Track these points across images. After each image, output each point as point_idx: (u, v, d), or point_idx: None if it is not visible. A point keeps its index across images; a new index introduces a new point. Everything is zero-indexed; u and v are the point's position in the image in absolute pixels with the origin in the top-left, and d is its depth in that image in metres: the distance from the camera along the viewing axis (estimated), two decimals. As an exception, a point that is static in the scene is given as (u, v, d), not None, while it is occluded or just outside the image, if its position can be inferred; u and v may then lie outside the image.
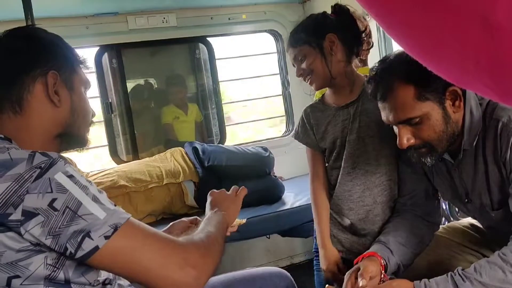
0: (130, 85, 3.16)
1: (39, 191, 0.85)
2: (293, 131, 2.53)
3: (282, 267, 3.24)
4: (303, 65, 1.58)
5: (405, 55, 1.24)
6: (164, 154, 2.98)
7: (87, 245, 0.86)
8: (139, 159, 3.08)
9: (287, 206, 2.73)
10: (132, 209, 2.65)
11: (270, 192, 2.82)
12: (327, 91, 1.72)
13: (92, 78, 2.94)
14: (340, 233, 1.67)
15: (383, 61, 1.31)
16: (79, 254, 0.87)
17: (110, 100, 3.03)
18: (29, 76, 1.00)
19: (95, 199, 0.90)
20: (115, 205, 0.93)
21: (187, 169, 2.83)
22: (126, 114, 3.11)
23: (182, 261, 0.92)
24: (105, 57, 3.02)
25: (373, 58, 2.22)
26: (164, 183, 2.74)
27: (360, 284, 1.25)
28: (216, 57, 3.32)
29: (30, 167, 0.87)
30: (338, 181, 1.64)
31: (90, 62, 2.91)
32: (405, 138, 1.26)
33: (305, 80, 1.62)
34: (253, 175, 2.80)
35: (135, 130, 3.14)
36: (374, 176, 1.59)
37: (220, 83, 3.36)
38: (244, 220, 1.38)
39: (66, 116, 1.04)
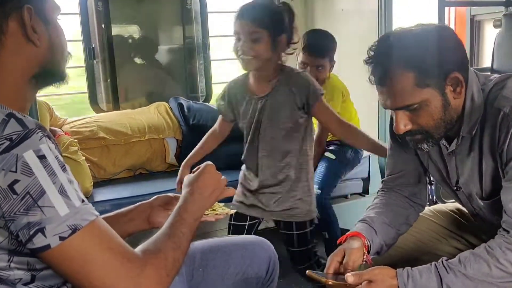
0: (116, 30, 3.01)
1: (2, 167, 0.76)
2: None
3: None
4: None
5: (406, 38, 1.18)
6: (148, 108, 2.88)
7: (38, 241, 0.78)
8: (119, 109, 2.98)
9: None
10: (110, 163, 2.58)
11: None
12: None
13: (75, 21, 2.78)
14: None
15: (382, 42, 1.24)
16: (29, 246, 0.79)
17: (93, 46, 2.89)
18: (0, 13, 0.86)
19: (62, 191, 0.80)
20: (83, 201, 0.83)
21: (171, 124, 2.75)
22: (109, 61, 2.98)
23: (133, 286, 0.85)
24: (91, 0, 2.85)
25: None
26: (146, 138, 2.66)
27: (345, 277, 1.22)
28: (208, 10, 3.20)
29: None
30: None
31: (75, 4, 2.76)
32: (402, 123, 1.23)
33: None
34: (237, 138, 2.73)
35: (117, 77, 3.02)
36: None
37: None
38: (232, 211, 1.30)
39: (44, 54, 0.91)
